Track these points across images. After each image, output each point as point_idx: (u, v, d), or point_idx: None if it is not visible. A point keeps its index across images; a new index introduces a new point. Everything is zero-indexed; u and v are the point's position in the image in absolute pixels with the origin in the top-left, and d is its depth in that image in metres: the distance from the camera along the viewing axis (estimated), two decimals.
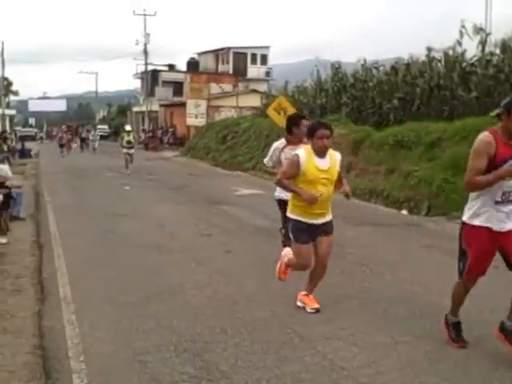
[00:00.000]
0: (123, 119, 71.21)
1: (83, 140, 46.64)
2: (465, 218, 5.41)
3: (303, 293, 6.67)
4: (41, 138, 69.05)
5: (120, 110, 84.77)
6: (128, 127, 27.31)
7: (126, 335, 5.94)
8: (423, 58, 23.00)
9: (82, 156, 40.72)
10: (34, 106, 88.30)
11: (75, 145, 47.76)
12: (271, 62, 62.39)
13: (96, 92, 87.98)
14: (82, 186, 20.14)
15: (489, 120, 15.78)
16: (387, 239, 11.18)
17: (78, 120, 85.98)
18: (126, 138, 25.28)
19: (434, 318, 6.26)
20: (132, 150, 25.05)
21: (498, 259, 5.46)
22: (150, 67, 59.88)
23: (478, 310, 6.48)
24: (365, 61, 26.52)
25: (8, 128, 54.21)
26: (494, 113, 5.85)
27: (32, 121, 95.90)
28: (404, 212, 14.37)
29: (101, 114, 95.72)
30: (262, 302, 6.95)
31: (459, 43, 21.34)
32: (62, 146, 40.89)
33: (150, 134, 51.37)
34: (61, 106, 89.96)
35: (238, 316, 6.44)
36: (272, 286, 7.62)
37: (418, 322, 6.25)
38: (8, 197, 11.30)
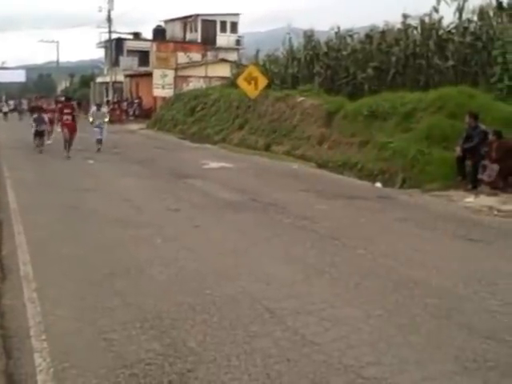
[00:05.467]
0: (86, 90, 69.69)
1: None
2: None
3: None
4: (4, 113, 54.57)
5: (83, 80, 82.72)
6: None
7: (90, 313, 5.76)
8: (399, 26, 22.64)
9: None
10: None
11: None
12: (241, 30, 61.36)
13: (57, 62, 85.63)
14: (44, 160, 19.63)
15: (465, 89, 15.89)
16: (360, 212, 11.07)
17: (38, 92, 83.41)
18: None
19: (407, 291, 6.22)
20: None
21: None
22: (114, 35, 57.98)
23: (452, 283, 6.44)
24: (338, 29, 25.90)
25: None
26: None
27: None
28: (378, 185, 14.28)
29: (62, 85, 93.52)
30: (232, 278, 6.80)
31: (436, 10, 21.04)
32: (39, 134, 22.40)
33: (111, 107, 50.38)
34: (20, 76, 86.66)
35: (206, 292, 6.29)
36: (242, 261, 7.51)
37: (390, 296, 6.17)
38: None
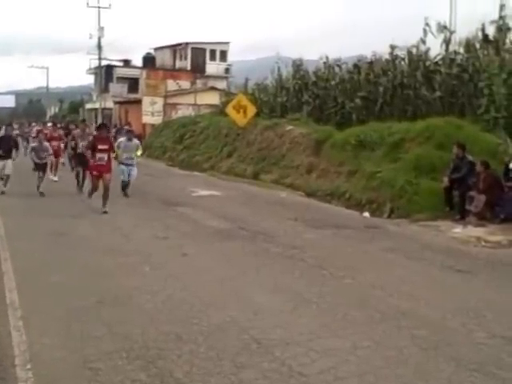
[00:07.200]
0: (75, 116, 69.81)
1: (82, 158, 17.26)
2: None
3: None
4: None
5: (72, 106, 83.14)
6: None
7: (76, 342, 5.70)
8: (386, 56, 22.91)
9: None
10: None
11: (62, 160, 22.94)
12: (231, 58, 61.65)
13: (47, 87, 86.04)
14: (32, 186, 19.46)
15: (452, 120, 16.06)
16: (348, 242, 11.08)
17: (27, 117, 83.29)
18: None
19: (395, 322, 6.21)
20: None
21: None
22: (104, 62, 58.24)
23: (439, 315, 6.44)
24: (327, 58, 26.19)
25: None
26: None
27: None
28: (366, 214, 14.29)
29: (52, 110, 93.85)
30: (219, 307, 6.77)
31: (423, 41, 21.32)
32: (40, 167, 17.45)
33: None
34: (9, 102, 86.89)
35: (193, 321, 6.25)
36: (230, 290, 7.48)
37: (378, 327, 6.16)
38: None
